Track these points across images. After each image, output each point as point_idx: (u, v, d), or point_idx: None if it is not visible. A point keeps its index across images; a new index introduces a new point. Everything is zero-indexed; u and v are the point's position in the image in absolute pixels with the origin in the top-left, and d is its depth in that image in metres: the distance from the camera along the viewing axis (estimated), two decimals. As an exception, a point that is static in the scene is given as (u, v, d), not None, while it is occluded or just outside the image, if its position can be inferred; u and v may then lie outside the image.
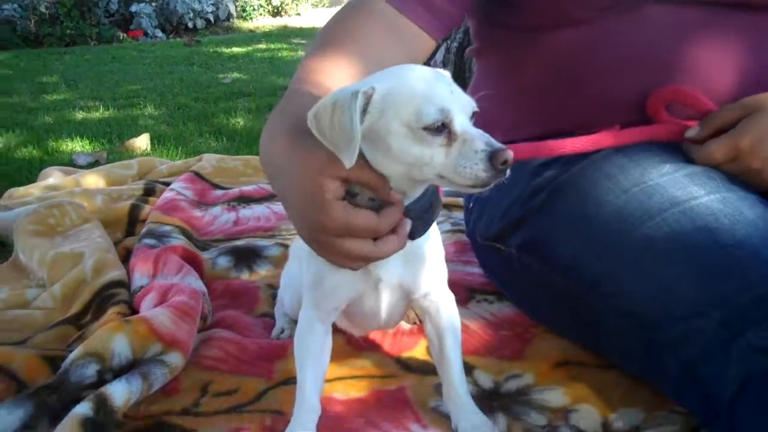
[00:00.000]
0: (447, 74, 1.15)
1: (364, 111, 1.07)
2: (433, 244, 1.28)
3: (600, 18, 1.50)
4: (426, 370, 1.54)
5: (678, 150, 1.44)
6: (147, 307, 1.70)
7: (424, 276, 1.28)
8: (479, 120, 1.74)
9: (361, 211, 1.10)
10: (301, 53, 8.43)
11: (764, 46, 1.50)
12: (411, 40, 1.48)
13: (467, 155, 1.03)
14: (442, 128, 1.04)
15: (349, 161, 1.04)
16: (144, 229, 2.27)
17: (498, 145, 1.03)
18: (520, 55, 1.63)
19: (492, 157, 1.01)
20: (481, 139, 1.03)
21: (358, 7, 1.49)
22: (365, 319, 1.39)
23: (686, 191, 1.32)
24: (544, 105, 1.60)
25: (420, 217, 1.18)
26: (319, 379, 1.33)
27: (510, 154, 1.01)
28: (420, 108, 1.04)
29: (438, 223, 2.33)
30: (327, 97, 1.08)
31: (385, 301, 1.30)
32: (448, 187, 1.09)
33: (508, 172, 1.04)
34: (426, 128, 1.04)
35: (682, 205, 1.30)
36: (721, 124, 1.38)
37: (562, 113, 1.57)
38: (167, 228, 2.28)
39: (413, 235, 1.18)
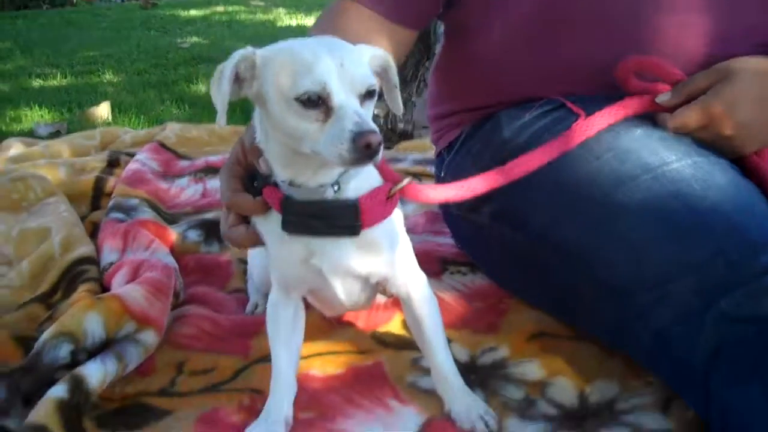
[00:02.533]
0: (357, 49, 1.13)
1: (253, 76, 1.10)
2: (390, 229, 1.25)
3: None
4: (402, 344, 1.55)
5: (649, 115, 1.44)
6: (119, 284, 1.67)
7: (379, 262, 1.25)
8: (447, 86, 1.73)
9: (238, 191, 1.26)
10: (260, 16, 8.33)
11: (735, 3, 1.48)
12: (391, 31, 1.58)
13: (336, 134, 1.01)
14: (319, 102, 1.03)
15: (219, 121, 1.09)
16: (110, 203, 2.23)
17: (366, 127, 1.01)
18: (486, 17, 1.61)
19: (355, 139, 1.00)
20: (351, 119, 1.01)
21: (339, 7, 1.59)
22: (329, 303, 1.38)
23: (658, 156, 1.32)
24: (513, 67, 1.59)
25: (317, 216, 1.17)
26: (294, 356, 1.32)
27: (374, 138, 1.00)
28: (295, 78, 1.03)
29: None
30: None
31: (340, 288, 1.27)
32: (328, 163, 1.09)
33: (380, 156, 1.02)
34: (298, 99, 1.03)
35: (655, 171, 1.29)
36: (692, 91, 1.37)
37: (532, 76, 1.57)
38: (134, 201, 2.24)
39: (287, 228, 1.19)
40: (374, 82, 1.09)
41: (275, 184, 1.19)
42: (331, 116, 1.03)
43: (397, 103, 1.25)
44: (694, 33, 1.47)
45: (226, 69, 1.08)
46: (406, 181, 1.22)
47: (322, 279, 1.25)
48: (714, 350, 1.13)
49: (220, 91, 1.08)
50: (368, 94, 1.08)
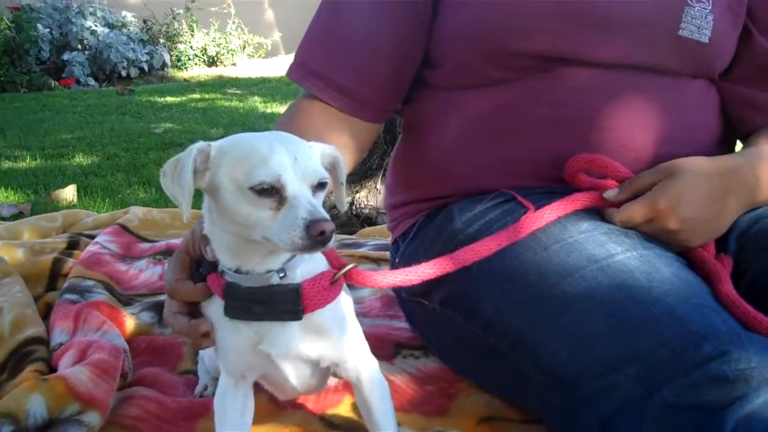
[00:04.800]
0: (309, 144, 1.18)
1: (206, 168, 1.12)
2: (338, 313, 1.27)
3: (519, 79, 1.55)
4: (350, 427, 1.53)
5: (596, 209, 1.47)
6: (66, 365, 1.66)
7: (327, 346, 1.26)
8: (403, 177, 1.78)
9: (180, 279, 1.29)
10: (236, 103, 8.43)
11: (680, 107, 1.56)
12: (351, 126, 1.66)
13: (289, 221, 1.05)
14: (272, 191, 1.06)
15: (185, 213, 1.11)
16: (66, 284, 2.22)
17: (319, 216, 1.05)
18: (443, 113, 1.66)
19: (309, 226, 1.03)
20: (305, 208, 1.05)
21: (300, 104, 1.67)
22: (282, 387, 1.38)
23: (604, 248, 1.35)
24: (467, 161, 1.63)
25: (258, 301, 1.19)
26: None
27: (328, 226, 1.04)
28: (251, 169, 1.07)
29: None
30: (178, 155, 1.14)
31: (291, 373, 1.28)
32: (279, 250, 1.12)
33: (331, 243, 1.06)
34: (252, 188, 1.06)
35: (600, 262, 1.32)
36: (639, 188, 1.43)
37: (485, 170, 1.60)
38: (90, 283, 2.24)
39: (229, 313, 1.21)
40: (326, 175, 1.14)
41: (221, 272, 1.21)
42: (284, 205, 1.06)
43: (341, 200, 1.29)
44: (641, 134, 1.53)
45: (185, 163, 1.10)
46: (349, 266, 1.25)
47: (272, 364, 1.26)
48: (656, 438, 1.14)
49: (182, 184, 1.10)
50: (319, 186, 1.12)
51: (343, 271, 1.24)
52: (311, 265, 1.23)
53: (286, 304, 1.18)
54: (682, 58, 1.56)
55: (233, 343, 1.24)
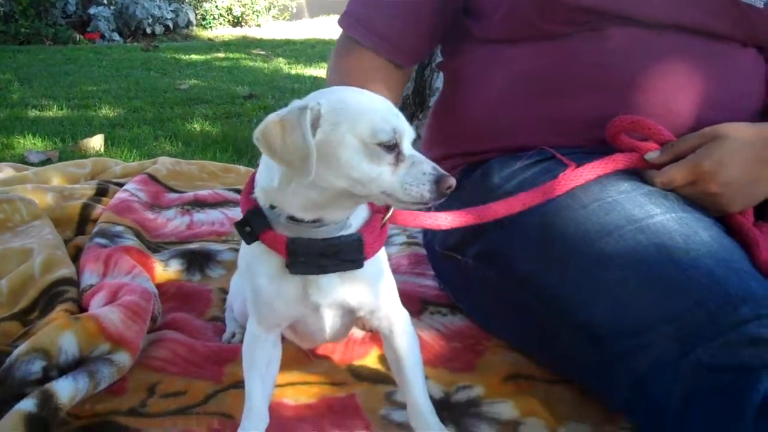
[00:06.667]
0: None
1: (317, 125, 1.09)
2: (376, 261, 1.27)
3: (567, 35, 1.53)
4: (377, 378, 1.54)
5: (636, 171, 1.47)
6: (97, 306, 1.68)
7: (366, 295, 1.27)
8: (442, 131, 1.78)
9: None
10: (260, 63, 8.41)
11: (727, 73, 1.54)
12: (389, 74, 1.72)
13: (416, 176, 1.08)
14: (394, 147, 1.08)
15: (308, 175, 1.07)
16: (96, 229, 2.23)
17: (443, 171, 1.08)
18: (487, 67, 1.66)
19: (439, 181, 1.07)
20: (428, 164, 1.09)
21: (346, 47, 1.75)
22: (310, 335, 1.39)
23: (643, 209, 1.34)
24: (508, 117, 1.62)
25: (325, 254, 1.18)
26: (267, 389, 1.32)
27: (452, 181, 1.08)
28: (377, 124, 1.08)
29: (393, 236, 2.33)
30: (272, 116, 1.10)
31: (329, 321, 1.29)
32: (393, 205, 1.14)
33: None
34: (380, 144, 1.08)
35: (639, 222, 1.32)
36: (681, 151, 1.41)
37: (526, 127, 1.59)
38: (119, 228, 2.25)
39: (296, 270, 1.19)
40: (414, 132, 1.16)
41: (269, 228, 1.18)
42: (402, 161, 1.09)
43: None
44: (685, 98, 1.51)
45: (298, 122, 1.07)
46: (393, 209, 1.26)
47: (316, 313, 1.27)
48: (689, 398, 1.15)
49: (298, 143, 1.06)
50: (413, 142, 1.15)
51: (390, 213, 1.25)
52: (359, 212, 1.23)
53: (351, 253, 1.19)
54: (734, 23, 1.52)
55: (280, 294, 1.23)
